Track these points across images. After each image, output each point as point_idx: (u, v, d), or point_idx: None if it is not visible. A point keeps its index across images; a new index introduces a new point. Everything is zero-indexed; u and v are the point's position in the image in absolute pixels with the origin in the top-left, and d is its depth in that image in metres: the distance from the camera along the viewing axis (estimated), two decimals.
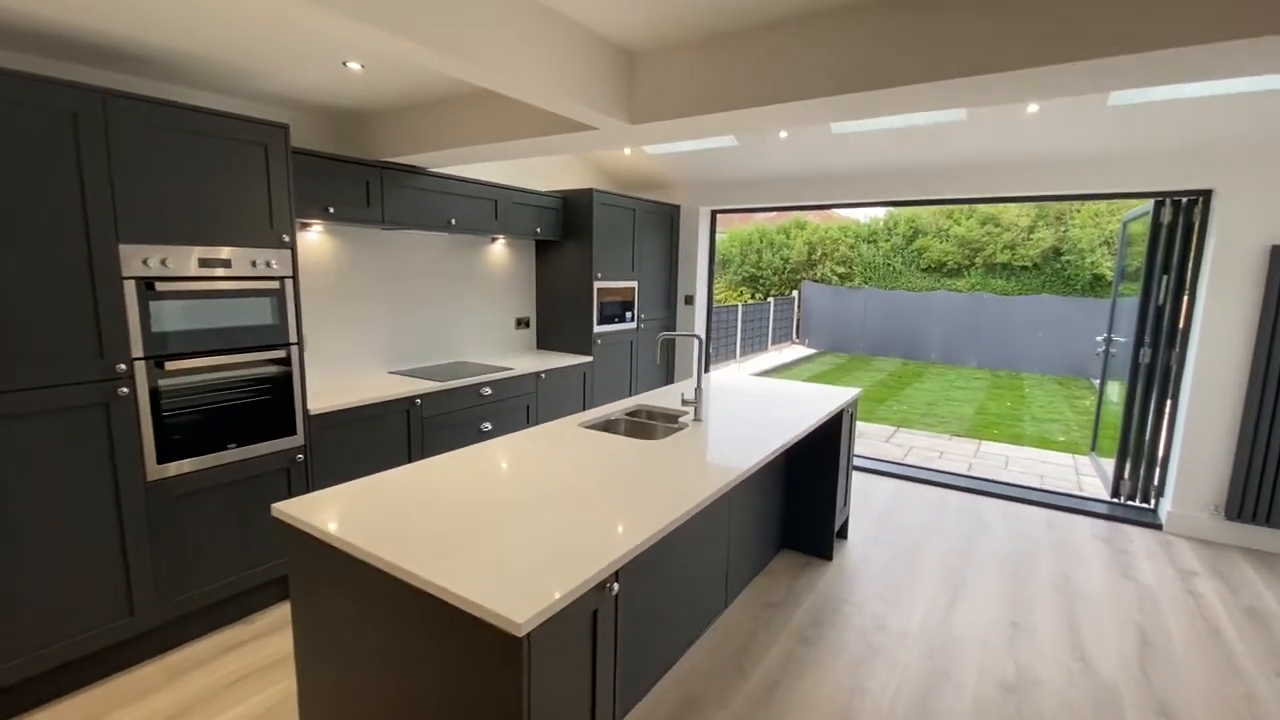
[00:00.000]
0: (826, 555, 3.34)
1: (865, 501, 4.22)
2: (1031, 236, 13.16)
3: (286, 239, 2.62)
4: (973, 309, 13.39)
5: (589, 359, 4.51)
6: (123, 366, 2.19)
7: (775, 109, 2.25)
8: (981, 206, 13.87)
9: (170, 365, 2.32)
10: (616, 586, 1.42)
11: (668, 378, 5.55)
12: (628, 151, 4.86)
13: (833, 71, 2.09)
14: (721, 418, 2.80)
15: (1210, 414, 3.64)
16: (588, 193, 4.40)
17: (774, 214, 17.81)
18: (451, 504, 1.71)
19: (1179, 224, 3.82)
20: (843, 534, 3.62)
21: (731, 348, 12.89)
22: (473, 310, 4.33)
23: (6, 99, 1.88)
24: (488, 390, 3.68)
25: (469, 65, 1.88)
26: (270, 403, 2.67)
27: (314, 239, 3.33)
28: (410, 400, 3.22)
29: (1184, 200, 3.80)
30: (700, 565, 2.53)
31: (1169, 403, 3.92)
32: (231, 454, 2.53)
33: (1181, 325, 3.83)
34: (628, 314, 4.90)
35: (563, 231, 4.53)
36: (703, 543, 2.53)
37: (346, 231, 3.47)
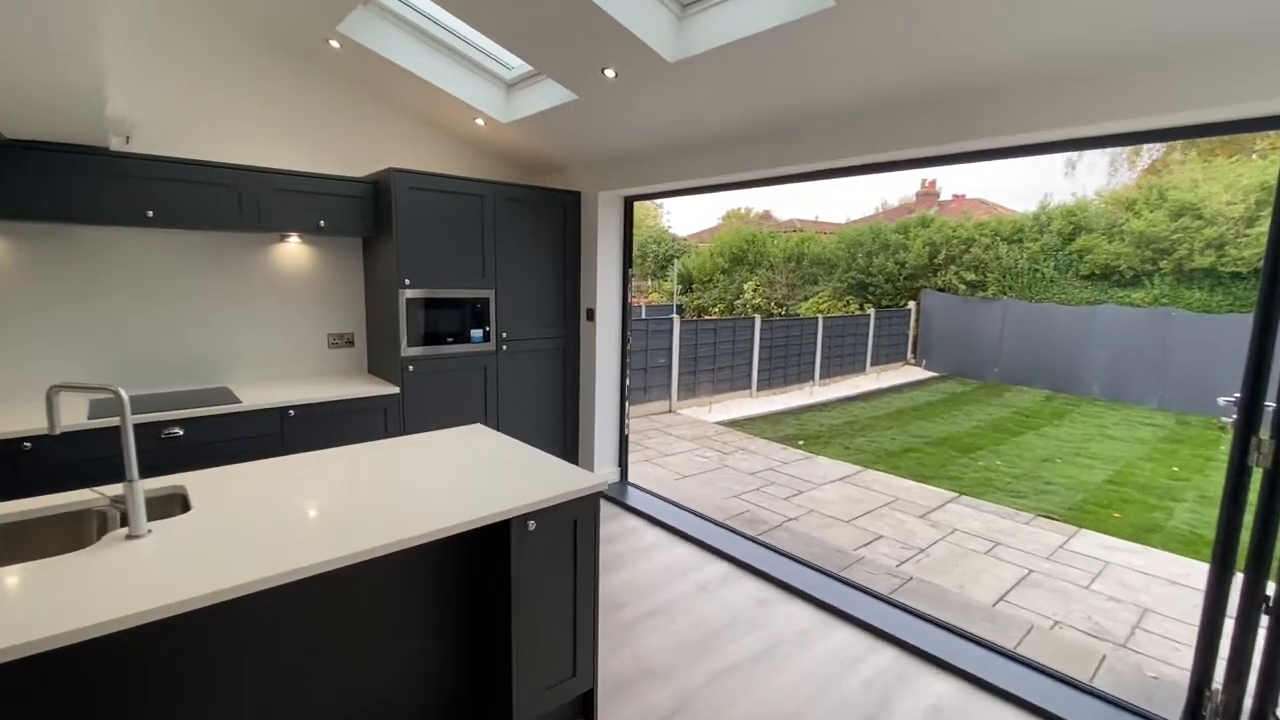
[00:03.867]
0: None
1: (712, 651, 2.66)
2: (1249, 231, 9.36)
3: None
4: (1155, 330, 9.92)
5: (394, 390, 3.47)
6: None
7: None
8: (1174, 192, 10.26)
9: None
10: None
11: (566, 424, 4.31)
12: (480, 123, 3.75)
13: None
14: (215, 529, 1.61)
15: None
16: (388, 174, 3.37)
17: (890, 210, 15.17)
18: None
19: None
20: (588, 715, 2.18)
21: (808, 368, 10.90)
22: (257, 325, 3.52)
23: None
24: (178, 431, 2.82)
25: None
26: None
27: None
28: (14, 443, 2.46)
29: None
30: None
31: None
32: None
33: None
34: (476, 332, 3.78)
35: (375, 226, 3.55)
36: None
37: (21, 229, 2.83)
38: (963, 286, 12.67)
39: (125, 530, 1.55)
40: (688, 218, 44.86)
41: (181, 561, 1.44)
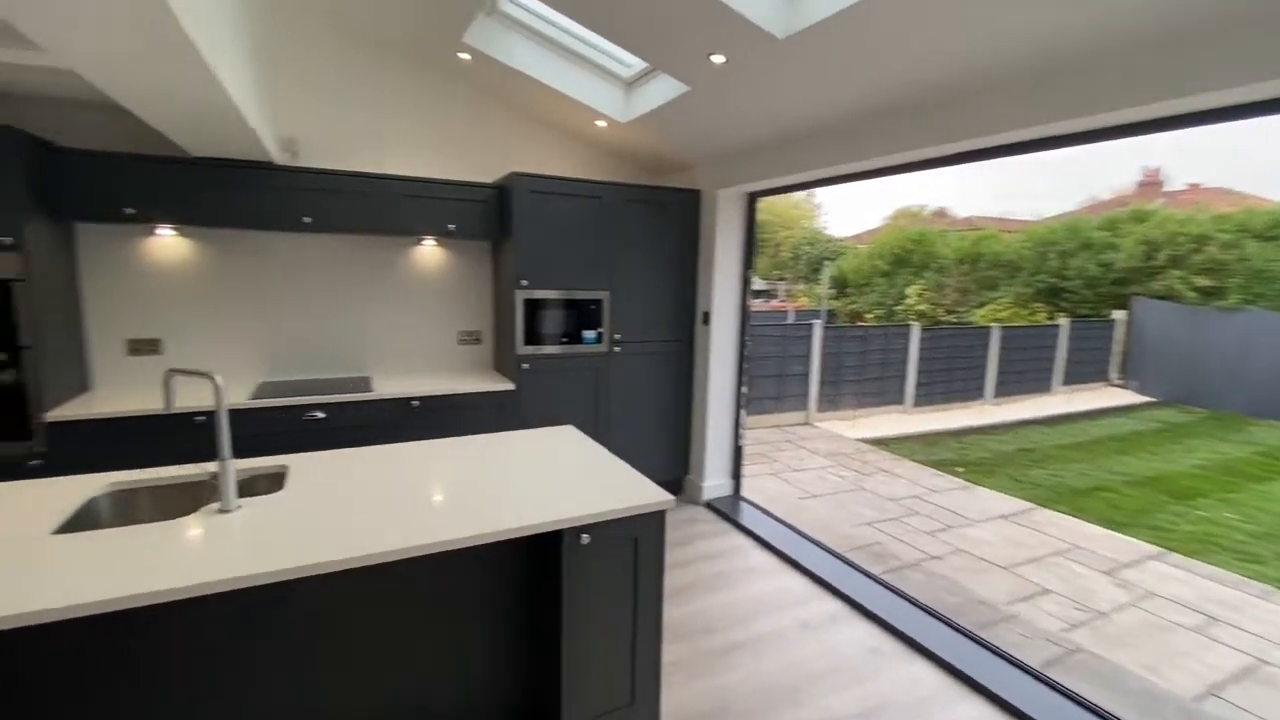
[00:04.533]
0: None
1: (803, 702, 2.35)
2: None
3: (10, 241, 2.54)
4: None
5: (510, 386, 3.58)
6: None
7: None
8: None
9: None
10: None
11: (678, 431, 4.16)
12: (602, 124, 3.74)
13: None
14: (294, 511, 1.71)
15: None
16: (512, 179, 3.48)
17: (1098, 203, 12.92)
18: None
19: None
20: None
21: (976, 384, 9.63)
22: (396, 321, 3.83)
23: None
24: (320, 414, 3.15)
25: None
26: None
27: (168, 242, 3.28)
28: (189, 416, 2.90)
29: None
30: None
31: None
32: None
33: None
34: (589, 333, 3.78)
35: (501, 229, 3.70)
36: None
37: (212, 235, 3.35)
38: (1191, 293, 10.38)
39: (219, 504, 1.71)
40: (848, 218, 42.33)
41: (252, 539, 1.53)
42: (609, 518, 1.77)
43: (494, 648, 1.95)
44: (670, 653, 2.49)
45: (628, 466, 2.15)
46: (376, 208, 3.37)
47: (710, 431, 4.06)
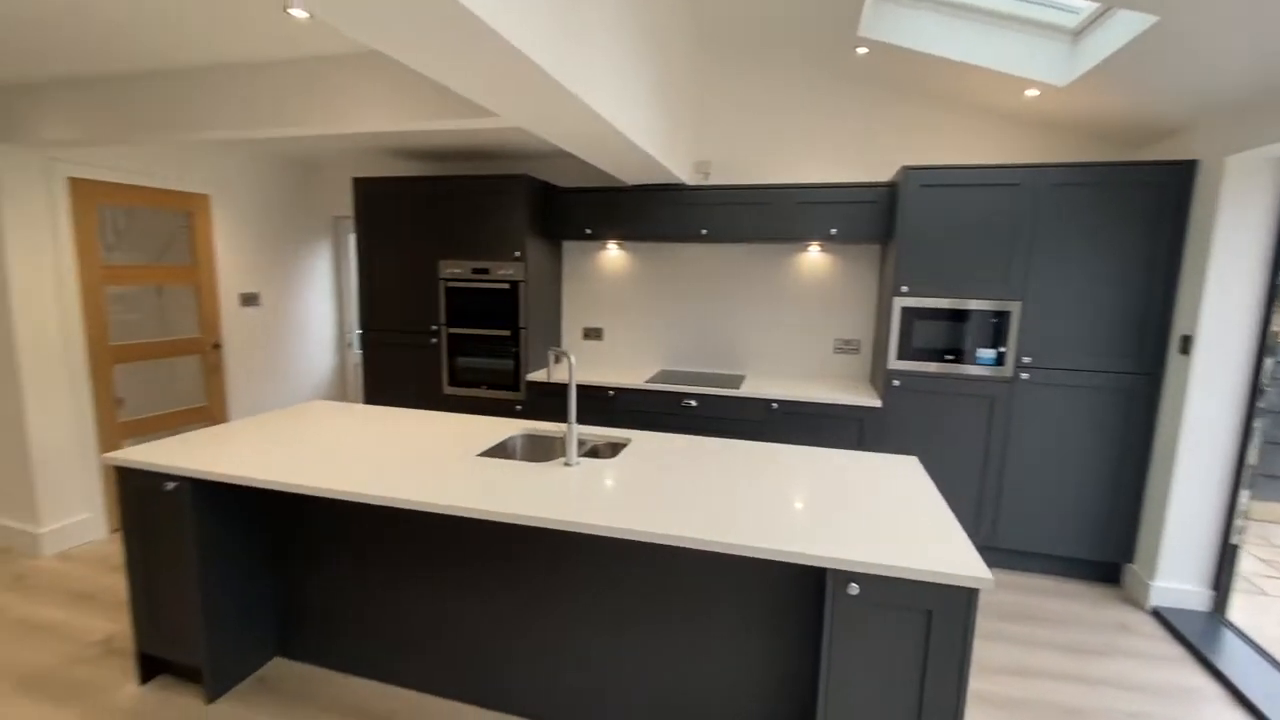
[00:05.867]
0: None
1: None
2: None
3: (518, 254, 3.72)
4: None
5: (875, 403, 3.28)
6: (434, 327, 3.95)
7: None
8: None
9: (453, 330, 3.93)
10: None
11: (1118, 500, 3.02)
12: (1033, 94, 3.00)
13: None
14: (616, 479, 1.99)
15: None
16: (902, 173, 3.15)
17: None
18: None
19: None
20: None
21: None
22: (773, 325, 3.96)
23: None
24: (693, 402, 3.54)
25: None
26: (510, 368, 3.88)
27: (612, 254, 4.18)
28: (604, 390, 3.66)
29: None
30: None
31: None
32: (479, 391, 3.94)
33: None
34: (985, 352, 3.12)
35: (888, 231, 3.40)
36: None
37: (638, 247, 4.12)
38: None
39: (564, 459, 2.13)
40: None
41: (571, 493, 1.86)
42: (890, 574, 1.45)
43: (767, 674, 1.85)
44: None
45: (955, 522, 1.70)
46: (763, 216, 3.54)
47: (1174, 509, 2.81)
